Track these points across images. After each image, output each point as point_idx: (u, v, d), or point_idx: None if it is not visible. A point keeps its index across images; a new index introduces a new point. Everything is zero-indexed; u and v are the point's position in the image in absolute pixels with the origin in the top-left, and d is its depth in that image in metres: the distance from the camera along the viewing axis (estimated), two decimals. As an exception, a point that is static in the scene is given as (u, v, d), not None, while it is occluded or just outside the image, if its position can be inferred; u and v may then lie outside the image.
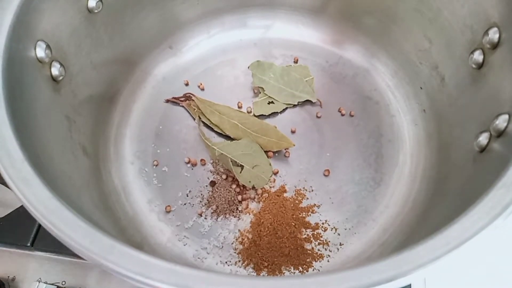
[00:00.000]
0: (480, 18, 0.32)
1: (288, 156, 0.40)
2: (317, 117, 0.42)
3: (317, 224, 0.37)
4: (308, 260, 0.35)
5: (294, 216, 0.37)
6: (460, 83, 0.35)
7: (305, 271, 0.35)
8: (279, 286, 0.20)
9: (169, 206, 0.38)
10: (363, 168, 0.40)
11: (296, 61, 0.45)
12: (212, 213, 0.37)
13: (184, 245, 0.36)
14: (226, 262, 0.35)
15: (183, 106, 0.43)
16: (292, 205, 0.37)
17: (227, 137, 0.41)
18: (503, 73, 0.31)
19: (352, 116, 0.42)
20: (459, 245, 0.22)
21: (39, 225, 0.37)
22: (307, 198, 0.38)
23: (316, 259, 0.35)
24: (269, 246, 0.35)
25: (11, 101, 0.26)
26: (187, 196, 0.38)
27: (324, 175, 0.39)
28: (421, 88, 0.41)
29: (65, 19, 0.33)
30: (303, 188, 0.39)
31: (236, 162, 0.38)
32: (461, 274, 0.36)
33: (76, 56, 0.34)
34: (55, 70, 0.32)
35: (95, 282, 0.36)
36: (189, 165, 0.40)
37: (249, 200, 0.38)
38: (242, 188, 0.38)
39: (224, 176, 0.39)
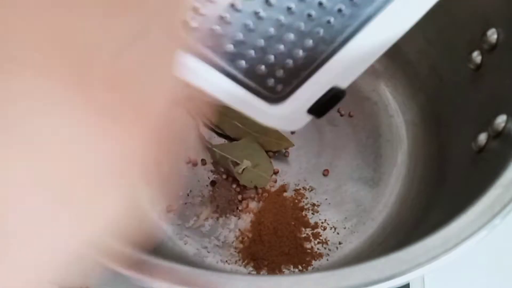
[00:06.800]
0: (478, 19, 0.33)
1: (288, 156, 0.40)
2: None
3: (316, 223, 0.37)
4: (307, 259, 0.35)
5: (293, 216, 0.37)
6: (458, 84, 0.36)
7: (304, 269, 0.35)
8: (279, 284, 0.21)
9: (170, 205, 0.38)
10: (362, 167, 0.40)
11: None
12: (212, 212, 0.38)
13: (185, 244, 0.36)
14: (226, 261, 0.36)
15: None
16: (291, 205, 0.38)
17: (227, 137, 0.41)
18: (501, 73, 0.31)
19: (351, 116, 0.42)
20: (457, 244, 0.22)
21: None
22: (307, 198, 0.38)
23: (316, 258, 0.36)
24: (269, 245, 0.36)
25: None
26: (188, 195, 0.39)
27: (324, 174, 0.39)
28: (419, 88, 0.41)
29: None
30: (303, 187, 0.39)
31: (236, 162, 0.38)
32: (460, 273, 0.37)
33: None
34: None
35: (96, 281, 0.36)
36: (189, 164, 0.40)
37: (249, 199, 0.38)
38: (242, 187, 0.38)
39: (224, 176, 0.39)
